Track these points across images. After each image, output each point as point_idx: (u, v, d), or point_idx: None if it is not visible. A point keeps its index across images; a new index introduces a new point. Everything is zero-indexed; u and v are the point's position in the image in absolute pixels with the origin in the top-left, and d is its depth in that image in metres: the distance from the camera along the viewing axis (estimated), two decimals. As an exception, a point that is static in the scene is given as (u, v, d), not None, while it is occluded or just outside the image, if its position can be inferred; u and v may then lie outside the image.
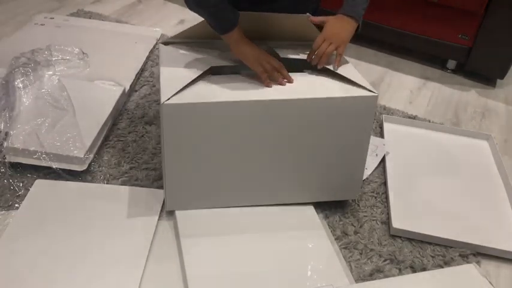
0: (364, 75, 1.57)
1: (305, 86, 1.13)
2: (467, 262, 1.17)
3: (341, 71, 1.16)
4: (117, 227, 1.13)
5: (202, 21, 1.14)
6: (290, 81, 1.14)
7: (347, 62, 1.22)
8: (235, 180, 1.16)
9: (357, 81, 1.14)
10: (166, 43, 1.26)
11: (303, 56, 1.19)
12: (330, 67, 1.16)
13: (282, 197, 1.22)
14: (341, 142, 1.16)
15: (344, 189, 1.24)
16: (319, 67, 1.16)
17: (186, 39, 1.26)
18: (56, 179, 1.25)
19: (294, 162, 1.17)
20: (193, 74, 1.10)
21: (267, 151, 1.14)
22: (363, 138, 1.17)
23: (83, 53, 1.68)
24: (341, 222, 1.24)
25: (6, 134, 1.29)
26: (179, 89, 1.05)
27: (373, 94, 1.12)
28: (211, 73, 1.15)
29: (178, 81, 1.08)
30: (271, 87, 1.12)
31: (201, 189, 1.16)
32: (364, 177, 1.38)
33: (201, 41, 1.25)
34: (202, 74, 1.12)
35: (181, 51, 1.22)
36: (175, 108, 1.04)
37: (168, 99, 1.03)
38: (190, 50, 1.23)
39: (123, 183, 1.27)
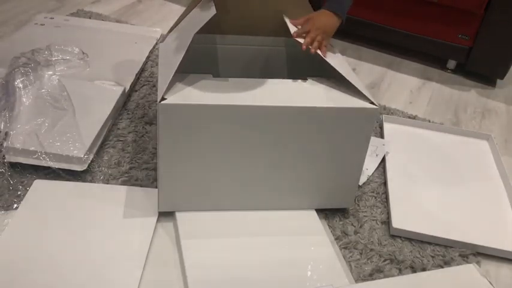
0: (364, 75, 1.57)
1: (306, 94, 1.12)
2: (467, 262, 1.17)
3: (344, 79, 1.14)
4: (117, 227, 1.13)
5: (185, 9, 1.18)
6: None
7: (351, 70, 1.21)
8: (230, 183, 1.16)
9: (360, 91, 1.11)
10: (164, 40, 1.25)
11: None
12: (335, 64, 1.13)
13: (275, 203, 1.21)
14: (338, 152, 1.15)
15: (337, 198, 1.24)
16: (314, 51, 1.14)
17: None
18: (55, 179, 1.25)
19: (289, 169, 1.16)
20: (179, 58, 1.07)
21: (263, 157, 1.13)
22: (360, 150, 1.16)
23: (83, 53, 1.68)
24: (341, 222, 1.24)
25: (6, 134, 1.29)
26: (169, 81, 1.03)
27: (373, 107, 1.09)
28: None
29: (169, 74, 1.06)
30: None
31: (195, 192, 1.16)
32: (365, 177, 1.38)
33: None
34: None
35: (174, 45, 1.19)
36: (172, 108, 1.03)
37: (164, 98, 1.02)
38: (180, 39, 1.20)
39: (123, 183, 1.27)
